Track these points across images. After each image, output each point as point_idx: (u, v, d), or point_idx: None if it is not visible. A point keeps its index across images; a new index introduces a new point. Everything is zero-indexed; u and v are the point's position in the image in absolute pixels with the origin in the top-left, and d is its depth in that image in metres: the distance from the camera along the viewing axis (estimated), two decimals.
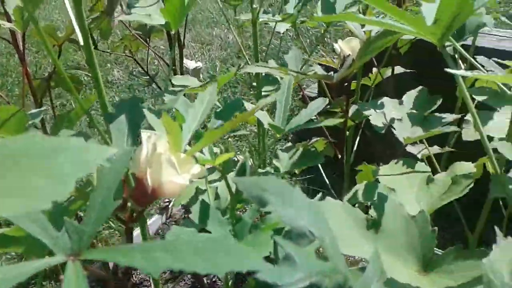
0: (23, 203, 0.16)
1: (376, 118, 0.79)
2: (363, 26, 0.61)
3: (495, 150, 0.54)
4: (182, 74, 1.37)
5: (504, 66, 0.78)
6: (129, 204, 0.32)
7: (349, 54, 0.59)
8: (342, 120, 0.72)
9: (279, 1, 1.13)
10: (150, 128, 0.42)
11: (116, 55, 2.57)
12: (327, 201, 0.40)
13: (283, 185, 0.26)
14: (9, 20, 0.93)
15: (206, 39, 2.95)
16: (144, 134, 0.32)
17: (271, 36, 1.09)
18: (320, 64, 0.66)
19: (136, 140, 0.45)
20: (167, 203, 1.75)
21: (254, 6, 0.85)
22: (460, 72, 0.38)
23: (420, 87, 0.85)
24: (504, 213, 0.80)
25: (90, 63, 0.55)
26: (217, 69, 2.55)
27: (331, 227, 0.30)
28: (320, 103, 0.50)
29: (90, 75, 1.40)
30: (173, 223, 1.66)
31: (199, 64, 1.52)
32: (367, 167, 0.69)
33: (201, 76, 1.66)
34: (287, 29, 1.08)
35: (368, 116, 0.80)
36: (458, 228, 0.65)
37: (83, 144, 0.17)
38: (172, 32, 0.67)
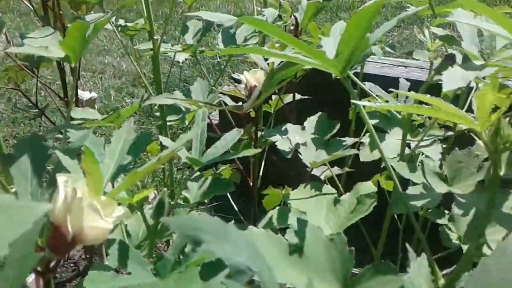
0: None
1: (283, 144, 0.82)
2: (266, 58, 0.64)
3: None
4: (77, 105, 1.31)
5: (389, 92, 0.86)
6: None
7: (255, 85, 0.61)
8: (259, 150, 0.74)
9: (173, 29, 1.13)
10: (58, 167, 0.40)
11: None
12: (250, 230, 0.41)
13: (217, 222, 0.26)
14: None
15: (98, 68, 2.85)
16: (60, 178, 0.29)
17: (170, 65, 1.09)
18: (228, 95, 0.67)
19: (41, 183, 0.42)
20: None
21: (155, 37, 0.84)
22: (364, 103, 0.42)
23: (320, 113, 0.91)
24: (399, 226, 0.88)
25: None
26: (112, 98, 2.47)
27: None
28: (235, 135, 0.51)
29: None
30: (72, 265, 1.54)
31: (94, 94, 1.46)
32: (273, 191, 0.71)
33: (96, 106, 1.59)
34: (187, 58, 1.09)
35: (274, 141, 0.83)
36: (362, 243, 0.69)
37: (15, 203, 0.16)
38: (73, 65, 0.64)
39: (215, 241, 0.25)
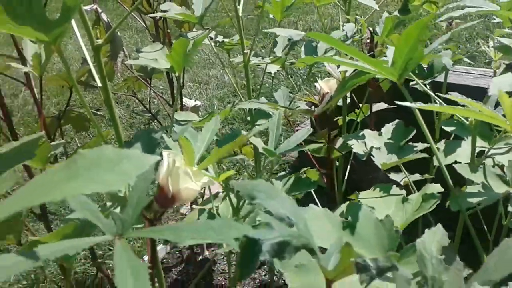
0: (102, 188, 0.25)
1: (358, 147, 0.89)
2: (339, 68, 0.72)
3: None
4: (182, 110, 1.48)
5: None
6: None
7: (327, 92, 0.70)
8: (322, 145, 0.82)
9: (271, 43, 1.25)
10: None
11: (117, 96, 2.69)
12: (310, 207, 0.50)
13: (269, 185, 0.36)
14: (24, 64, 1.04)
15: (203, 79, 3.09)
16: (165, 153, 0.41)
17: (262, 76, 1.21)
18: (305, 101, 0.76)
19: None
20: None
21: (245, 51, 0.96)
22: (411, 104, 0.49)
23: (397, 120, 0.96)
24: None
25: (107, 104, 0.64)
26: (215, 107, 2.67)
27: (313, 228, 0.39)
28: (305, 132, 0.60)
29: (98, 113, 1.51)
30: (177, 252, 1.73)
31: (198, 102, 1.63)
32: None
33: (199, 113, 1.77)
34: (278, 69, 1.20)
35: (351, 145, 0.90)
36: None
37: (138, 153, 0.27)
38: (176, 75, 0.78)
39: (265, 197, 0.35)
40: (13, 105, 2.90)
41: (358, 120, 1.16)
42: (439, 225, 0.37)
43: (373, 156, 0.82)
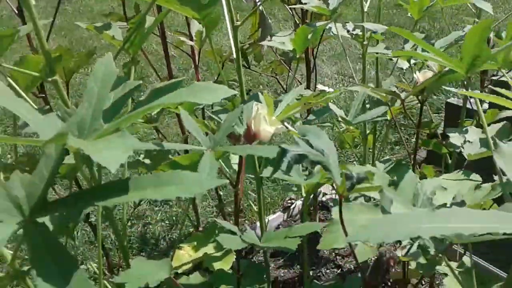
0: (205, 101, 0.44)
1: (456, 139, 0.96)
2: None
3: None
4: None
5: None
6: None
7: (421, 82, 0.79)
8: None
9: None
10: None
11: (268, 79, 2.97)
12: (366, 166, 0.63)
13: (317, 129, 0.51)
14: (191, 40, 1.31)
15: (349, 72, 3.20)
16: (255, 104, 0.58)
17: (392, 69, 1.30)
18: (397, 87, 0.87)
19: None
20: (289, 204, 2.03)
21: (364, 42, 1.08)
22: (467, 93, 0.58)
23: (505, 122, 1.00)
24: None
25: (238, 72, 0.83)
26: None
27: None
28: (382, 109, 0.72)
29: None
30: (292, 222, 1.92)
31: (331, 89, 1.77)
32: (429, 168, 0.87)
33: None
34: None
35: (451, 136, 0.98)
36: None
37: (226, 88, 0.44)
38: (297, 56, 0.95)
39: (313, 136, 0.50)
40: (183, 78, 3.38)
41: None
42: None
43: (463, 148, 0.89)
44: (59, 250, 0.36)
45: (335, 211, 0.58)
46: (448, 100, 2.01)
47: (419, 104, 1.11)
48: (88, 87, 0.48)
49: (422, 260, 0.51)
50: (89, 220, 1.17)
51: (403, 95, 0.77)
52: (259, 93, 0.64)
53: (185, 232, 2.07)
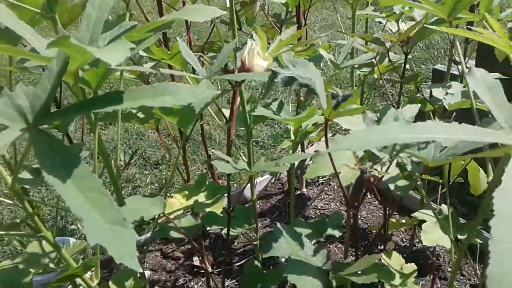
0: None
1: (438, 93, 1.00)
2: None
3: None
4: None
5: None
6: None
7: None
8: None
9: None
10: None
11: None
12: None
13: (305, 61, 0.53)
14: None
15: None
16: (249, 41, 0.61)
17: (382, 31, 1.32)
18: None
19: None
20: None
21: None
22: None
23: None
24: None
25: (232, 31, 0.85)
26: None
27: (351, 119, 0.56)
28: (368, 55, 0.75)
29: None
30: (280, 184, 1.97)
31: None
32: None
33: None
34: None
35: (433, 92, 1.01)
36: None
37: (214, 8, 0.47)
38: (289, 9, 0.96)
39: (301, 65, 0.52)
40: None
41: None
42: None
43: (445, 99, 0.92)
44: (63, 151, 0.38)
45: (320, 144, 0.61)
46: (435, 67, 2.04)
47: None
48: (86, 12, 0.50)
49: (400, 183, 0.54)
50: None
51: (388, 44, 0.80)
52: (253, 35, 0.67)
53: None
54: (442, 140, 0.37)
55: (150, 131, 2.55)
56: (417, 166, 0.51)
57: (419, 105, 0.55)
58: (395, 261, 0.93)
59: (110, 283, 0.83)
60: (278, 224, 0.59)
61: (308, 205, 1.84)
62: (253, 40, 0.62)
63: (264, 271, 0.92)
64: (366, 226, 1.69)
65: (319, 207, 1.83)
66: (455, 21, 0.74)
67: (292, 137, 0.78)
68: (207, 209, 0.99)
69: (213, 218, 0.87)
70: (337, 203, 1.85)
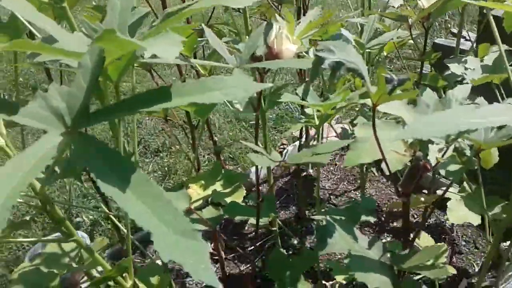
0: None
1: (456, 68, 0.98)
2: None
3: None
4: None
5: None
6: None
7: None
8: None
9: None
10: None
11: (258, 24, 2.91)
12: None
13: (344, 43, 0.50)
14: None
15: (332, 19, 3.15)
16: (274, 24, 0.57)
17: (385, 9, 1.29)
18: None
19: None
20: (282, 150, 2.05)
21: None
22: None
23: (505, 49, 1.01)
24: None
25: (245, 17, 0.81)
26: None
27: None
28: (393, 33, 0.72)
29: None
30: (283, 168, 1.95)
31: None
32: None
33: None
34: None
35: (450, 67, 0.98)
36: None
37: None
38: None
39: (339, 50, 0.49)
40: None
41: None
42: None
43: (466, 75, 0.90)
44: (113, 156, 0.35)
45: (358, 129, 0.59)
46: (435, 41, 2.01)
47: (410, 41, 1.11)
48: (111, 2, 0.46)
49: (451, 168, 0.52)
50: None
51: (410, 21, 0.77)
52: (277, 17, 0.63)
53: (179, 181, 2.08)
54: None
55: (148, 118, 2.51)
56: (471, 149, 0.49)
57: (470, 85, 0.53)
58: (426, 241, 0.91)
59: (135, 279, 0.80)
60: (328, 217, 0.57)
61: (315, 186, 1.82)
62: (277, 22, 0.58)
63: (290, 258, 0.90)
64: (377, 204, 1.68)
65: (326, 188, 1.82)
66: None
67: (317, 122, 0.75)
68: (227, 199, 0.96)
69: (235, 208, 0.85)
70: (345, 183, 1.83)
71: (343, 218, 0.72)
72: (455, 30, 1.98)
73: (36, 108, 0.38)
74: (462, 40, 1.49)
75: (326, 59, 0.43)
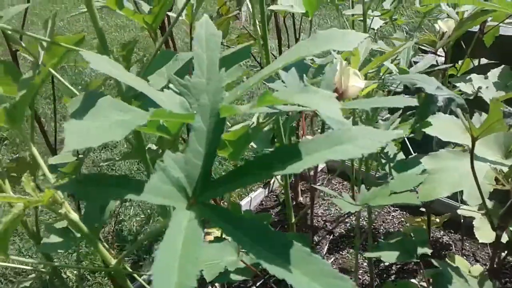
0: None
1: (466, 87, 0.99)
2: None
3: None
4: None
5: None
6: None
7: (446, 31, 0.80)
8: None
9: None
10: None
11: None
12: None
13: (427, 77, 0.49)
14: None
15: None
16: (338, 60, 0.55)
17: (368, 28, 1.31)
18: (424, 39, 0.88)
19: None
20: (269, 179, 2.01)
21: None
22: None
23: (503, 65, 1.04)
24: None
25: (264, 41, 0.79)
26: None
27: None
28: (431, 59, 0.72)
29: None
30: (274, 196, 1.91)
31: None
32: None
33: None
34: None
35: (458, 86, 1.00)
36: None
37: (354, 32, 0.41)
38: (309, 19, 0.92)
39: (425, 83, 0.48)
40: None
41: (458, 75, 1.24)
42: None
43: (482, 93, 0.91)
44: (261, 230, 0.31)
45: (427, 161, 0.57)
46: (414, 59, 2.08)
47: None
48: (196, 53, 0.42)
49: None
50: None
51: (438, 44, 0.78)
52: (335, 54, 0.61)
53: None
54: None
55: (121, 162, 2.40)
56: None
57: None
58: (461, 264, 0.90)
59: None
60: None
61: (308, 214, 1.80)
62: (337, 58, 0.56)
63: None
64: (381, 223, 1.68)
65: (319, 214, 1.80)
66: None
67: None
68: None
69: None
70: (338, 208, 1.82)
71: (397, 252, 0.69)
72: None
73: (158, 183, 0.33)
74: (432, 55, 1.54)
75: (439, 96, 0.41)
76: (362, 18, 1.24)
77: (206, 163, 0.34)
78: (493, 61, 1.27)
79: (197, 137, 0.35)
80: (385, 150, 0.79)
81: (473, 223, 0.96)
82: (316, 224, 1.76)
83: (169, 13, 1.15)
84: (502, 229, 0.48)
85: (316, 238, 1.67)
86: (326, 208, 1.83)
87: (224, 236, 0.90)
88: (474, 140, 0.44)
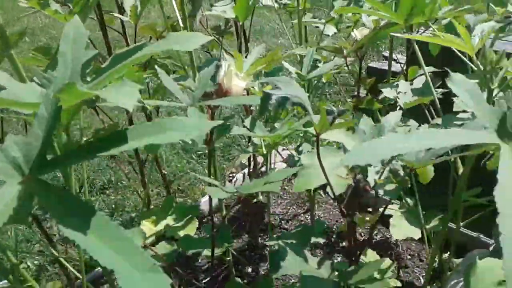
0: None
1: (389, 92, 1.05)
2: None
3: None
4: None
5: None
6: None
7: (360, 39, 0.86)
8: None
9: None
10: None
11: (200, 56, 2.95)
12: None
13: (287, 79, 0.54)
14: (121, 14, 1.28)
15: (272, 47, 3.27)
16: (223, 62, 0.61)
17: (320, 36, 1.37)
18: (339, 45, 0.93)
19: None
20: (231, 178, 2.06)
21: (300, 8, 1.13)
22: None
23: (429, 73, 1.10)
24: None
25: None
26: None
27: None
28: (331, 64, 0.78)
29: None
30: (235, 194, 1.96)
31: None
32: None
33: None
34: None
35: (384, 92, 1.06)
36: None
37: (201, 34, 0.47)
38: (240, 23, 0.97)
39: (284, 86, 0.53)
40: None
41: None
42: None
43: (398, 98, 0.97)
44: (73, 201, 0.36)
45: (304, 157, 0.63)
46: (370, 64, 2.14)
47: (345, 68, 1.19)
48: (61, 50, 0.48)
49: (388, 187, 0.57)
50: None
51: (345, 51, 0.83)
52: (226, 55, 0.67)
53: (127, 218, 2.04)
54: (441, 146, 0.40)
55: None
56: (407, 170, 0.54)
57: (400, 112, 0.58)
58: (371, 257, 0.96)
59: None
60: (280, 242, 0.59)
61: (266, 212, 1.85)
62: (225, 60, 0.62)
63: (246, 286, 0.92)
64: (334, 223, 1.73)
65: (277, 213, 1.85)
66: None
67: (264, 150, 0.79)
68: (181, 233, 0.97)
69: (189, 241, 0.86)
70: (295, 207, 1.88)
71: (294, 241, 0.75)
72: (386, 54, 2.11)
73: None
74: (393, 62, 1.60)
75: (273, 95, 0.46)
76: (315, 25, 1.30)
77: (43, 145, 0.40)
78: (439, 70, 1.33)
79: (39, 123, 0.40)
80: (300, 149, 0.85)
81: (390, 220, 1.01)
82: (273, 222, 1.82)
83: (120, 16, 1.21)
84: (350, 216, 0.54)
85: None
86: (284, 207, 1.88)
87: None
88: (317, 136, 0.50)
